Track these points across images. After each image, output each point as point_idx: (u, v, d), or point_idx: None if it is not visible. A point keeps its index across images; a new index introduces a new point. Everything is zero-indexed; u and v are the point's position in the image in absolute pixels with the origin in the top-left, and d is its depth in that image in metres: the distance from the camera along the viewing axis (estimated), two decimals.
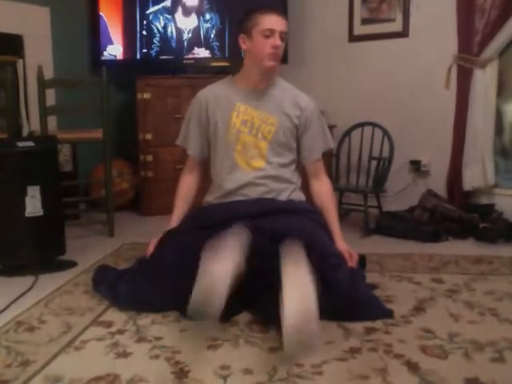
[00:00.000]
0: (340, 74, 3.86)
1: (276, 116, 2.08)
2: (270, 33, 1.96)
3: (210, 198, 2.16)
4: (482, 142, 3.31)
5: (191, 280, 1.52)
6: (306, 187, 2.22)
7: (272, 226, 1.88)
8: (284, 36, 2.00)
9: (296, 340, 1.33)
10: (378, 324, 1.77)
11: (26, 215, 2.37)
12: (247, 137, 2.07)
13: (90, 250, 2.78)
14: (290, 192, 2.12)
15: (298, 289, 1.38)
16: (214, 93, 2.14)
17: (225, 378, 1.43)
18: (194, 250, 1.74)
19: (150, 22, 3.78)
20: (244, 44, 2.05)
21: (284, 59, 3.72)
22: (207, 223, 1.87)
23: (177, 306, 1.87)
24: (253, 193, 2.06)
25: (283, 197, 2.10)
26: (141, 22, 3.77)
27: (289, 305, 1.34)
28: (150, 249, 2.02)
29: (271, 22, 1.97)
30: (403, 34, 3.58)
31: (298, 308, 1.33)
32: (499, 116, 3.43)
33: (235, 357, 1.54)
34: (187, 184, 2.19)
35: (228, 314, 1.80)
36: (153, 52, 3.81)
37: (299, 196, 2.17)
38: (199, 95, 2.17)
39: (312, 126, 2.14)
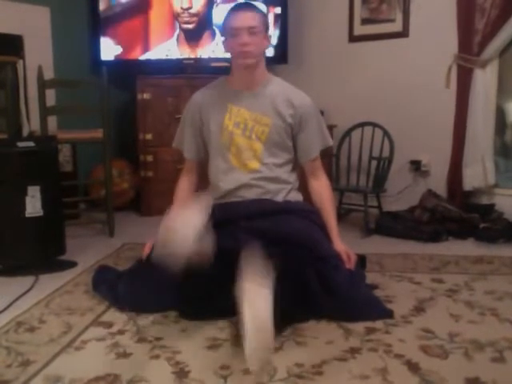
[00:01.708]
0: (340, 73, 3.86)
1: (270, 116, 2.04)
2: (235, 31, 1.93)
3: None
4: (482, 141, 3.31)
5: (188, 280, 1.51)
6: (304, 187, 2.20)
7: (270, 228, 1.87)
8: (255, 30, 1.93)
9: (256, 358, 1.37)
10: (378, 324, 1.77)
11: (26, 215, 2.37)
12: (240, 139, 2.04)
13: (89, 249, 2.78)
14: (286, 193, 2.10)
15: (254, 312, 1.37)
16: (208, 95, 2.12)
17: (225, 377, 1.43)
18: None
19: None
20: (224, 46, 2.04)
21: (284, 59, 3.75)
22: None
23: (176, 305, 1.87)
24: (249, 194, 2.05)
25: (279, 198, 2.07)
26: None
27: (248, 331, 1.35)
28: (146, 250, 2.00)
29: (235, 20, 1.94)
30: (403, 34, 3.58)
31: (255, 334, 1.35)
32: (499, 116, 3.43)
33: (235, 357, 1.54)
34: (183, 186, 2.18)
35: (228, 312, 1.81)
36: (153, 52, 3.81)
37: (296, 196, 2.14)
38: (193, 98, 2.16)
39: (308, 125, 2.09)
